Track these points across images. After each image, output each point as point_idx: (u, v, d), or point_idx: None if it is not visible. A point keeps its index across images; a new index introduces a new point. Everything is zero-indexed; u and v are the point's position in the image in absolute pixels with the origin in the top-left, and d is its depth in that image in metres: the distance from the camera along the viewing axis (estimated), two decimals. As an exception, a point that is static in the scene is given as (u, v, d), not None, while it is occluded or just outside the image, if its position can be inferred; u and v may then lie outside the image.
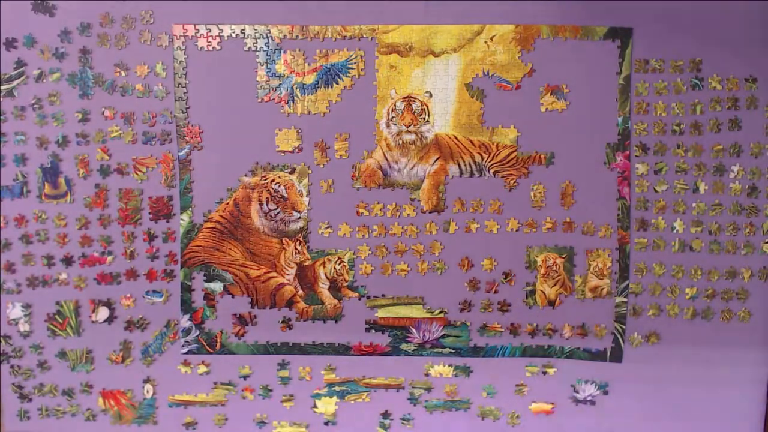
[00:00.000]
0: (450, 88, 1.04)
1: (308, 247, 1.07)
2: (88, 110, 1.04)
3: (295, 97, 1.04)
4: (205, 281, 1.08)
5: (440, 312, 1.09)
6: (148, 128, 1.05)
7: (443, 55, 1.04)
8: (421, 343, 1.10)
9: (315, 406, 1.11)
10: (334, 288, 1.09)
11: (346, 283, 1.08)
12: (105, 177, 1.05)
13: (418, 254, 1.08)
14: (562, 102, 1.04)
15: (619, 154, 1.05)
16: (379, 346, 1.10)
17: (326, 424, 1.11)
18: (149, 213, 1.06)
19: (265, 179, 1.06)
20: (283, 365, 1.10)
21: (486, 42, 1.03)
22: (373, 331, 1.09)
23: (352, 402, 1.11)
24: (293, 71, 1.04)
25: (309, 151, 1.06)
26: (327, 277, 1.08)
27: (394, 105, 1.04)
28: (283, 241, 1.07)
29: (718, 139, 1.04)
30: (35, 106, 1.03)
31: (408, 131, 1.05)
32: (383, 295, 1.09)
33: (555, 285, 1.08)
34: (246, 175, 1.06)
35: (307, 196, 1.06)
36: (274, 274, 1.08)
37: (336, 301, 1.09)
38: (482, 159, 1.06)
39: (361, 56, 1.04)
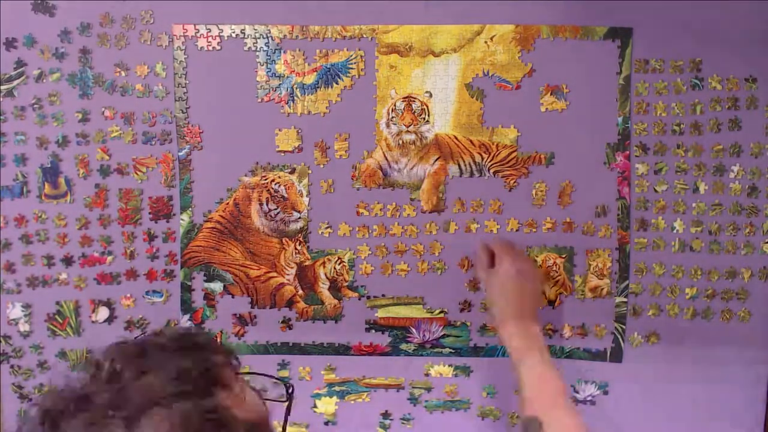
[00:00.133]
0: (450, 88, 1.04)
1: (308, 247, 1.07)
2: (88, 110, 1.04)
3: (295, 97, 1.04)
4: (205, 281, 1.08)
5: (440, 312, 1.09)
6: (148, 128, 1.05)
7: (443, 55, 1.04)
8: (421, 343, 1.10)
9: (315, 406, 1.11)
10: (334, 288, 1.09)
11: (346, 283, 1.08)
12: (105, 177, 1.05)
13: (418, 254, 1.08)
14: (562, 102, 1.04)
15: (619, 154, 1.05)
16: (379, 346, 1.10)
17: (326, 424, 1.11)
18: (149, 213, 1.06)
19: (265, 179, 1.06)
20: (283, 365, 1.10)
21: (486, 42, 1.03)
22: (373, 331, 1.09)
23: (352, 402, 1.11)
24: (293, 71, 1.04)
25: (309, 151, 1.06)
26: (327, 277, 1.08)
27: (394, 105, 1.04)
28: (283, 241, 1.07)
29: (718, 139, 1.04)
30: (35, 106, 1.03)
31: (408, 131, 1.05)
32: (383, 295, 1.09)
33: (555, 285, 1.08)
34: (246, 175, 1.06)
35: (307, 196, 1.06)
36: (274, 274, 1.08)
37: (336, 301, 1.09)
38: (482, 159, 1.06)
39: (361, 56, 1.04)
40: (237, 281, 1.08)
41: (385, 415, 1.11)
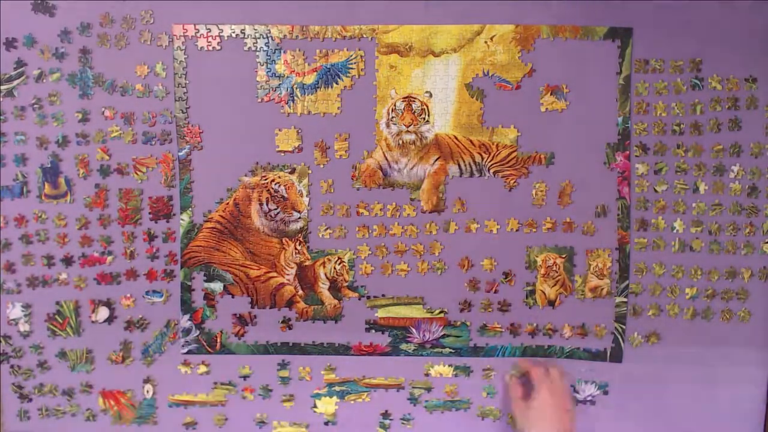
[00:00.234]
0: (450, 88, 1.04)
1: (308, 247, 1.07)
2: (88, 110, 1.04)
3: (295, 97, 1.04)
4: (205, 281, 1.08)
5: (440, 312, 1.09)
6: (148, 128, 1.05)
7: (443, 55, 1.04)
8: (421, 343, 1.10)
9: (315, 406, 1.11)
10: (334, 288, 1.09)
11: (346, 283, 1.08)
12: (105, 177, 1.05)
13: (418, 254, 1.08)
14: (562, 102, 1.04)
15: (619, 154, 1.05)
16: (379, 346, 1.10)
17: (326, 424, 1.11)
18: (149, 213, 1.06)
19: (265, 179, 1.06)
20: (283, 365, 1.10)
21: (486, 42, 1.03)
22: (373, 331, 1.09)
23: (352, 402, 1.11)
24: (293, 71, 1.04)
25: (309, 151, 1.06)
26: (327, 277, 1.08)
27: (394, 105, 1.04)
28: (283, 241, 1.07)
29: (718, 139, 1.04)
30: (35, 106, 1.03)
31: (408, 131, 1.05)
32: (383, 295, 1.09)
33: (555, 285, 1.08)
34: (246, 175, 1.06)
35: (307, 196, 1.07)
36: (274, 274, 1.08)
37: (336, 301, 1.09)
38: (482, 159, 1.06)
39: (361, 56, 1.04)
40: (237, 281, 1.08)
41: (385, 415, 1.11)
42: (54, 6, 1.01)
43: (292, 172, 1.06)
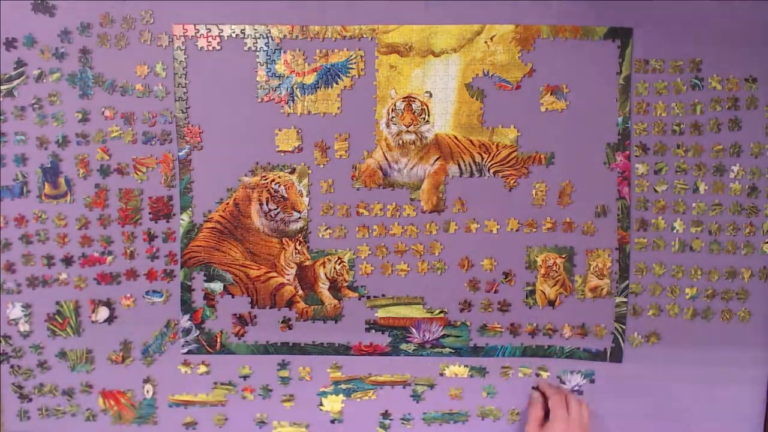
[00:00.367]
0: (450, 88, 1.04)
1: (308, 247, 1.07)
2: (88, 110, 1.04)
3: (295, 97, 1.04)
4: (205, 281, 1.08)
5: (440, 312, 1.09)
6: (148, 128, 1.05)
7: (443, 55, 1.04)
8: (421, 343, 1.10)
9: (321, 404, 1.11)
10: (334, 288, 1.09)
11: (346, 283, 1.08)
12: (105, 177, 1.05)
13: (418, 254, 1.08)
14: (562, 102, 1.04)
15: (619, 154, 1.05)
16: (379, 346, 1.10)
17: (332, 422, 1.11)
18: (149, 213, 1.06)
19: (265, 179, 1.06)
20: (283, 365, 1.10)
21: (486, 42, 1.03)
22: (373, 331, 1.09)
23: (358, 400, 1.11)
24: (293, 71, 1.04)
25: (309, 151, 1.06)
26: (327, 277, 1.08)
27: (394, 105, 1.04)
28: (283, 241, 1.07)
29: (718, 139, 1.04)
30: (35, 106, 1.03)
31: (408, 131, 1.05)
32: (383, 295, 1.09)
33: (555, 285, 1.08)
34: (246, 175, 1.06)
35: (307, 196, 1.07)
36: (274, 274, 1.08)
37: (336, 301, 1.09)
38: (482, 159, 1.06)
39: (361, 56, 1.04)
40: (237, 281, 1.08)
41: (385, 414, 1.11)
42: (54, 6, 1.01)
43: (292, 172, 1.06)
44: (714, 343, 1.07)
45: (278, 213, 1.07)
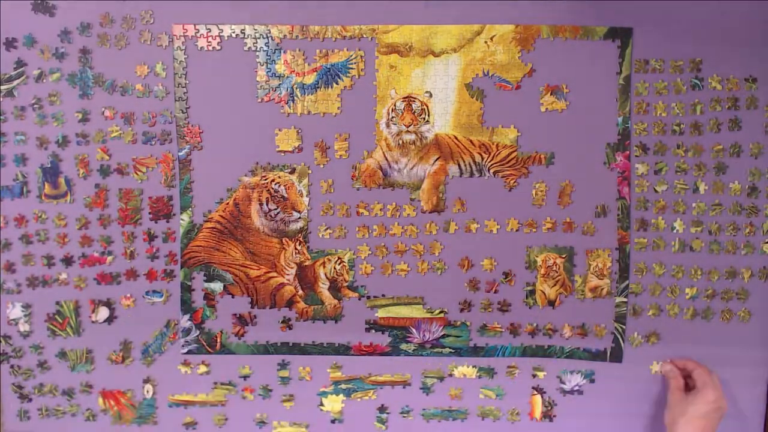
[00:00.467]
0: (450, 88, 1.04)
1: (308, 247, 1.07)
2: (88, 110, 1.04)
3: (295, 97, 1.04)
4: (205, 281, 1.08)
5: (440, 312, 1.09)
6: (148, 128, 1.05)
7: (443, 55, 1.04)
8: (421, 343, 1.10)
9: (321, 404, 1.11)
10: (334, 288, 1.09)
11: (346, 283, 1.08)
12: (105, 177, 1.05)
13: (418, 254, 1.08)
14: (562, 102, 1.04)
15: (619, 154, 1.05)
16: (379, 346, 1.10)
17: (332, 422, 1.11)
18: (149, 213, 1.06)
19: (265, 179, 1.06)
20: (283, 365, 1.10)
21: (486, 42, 1.03)
22: (373, 331, 1.09)
23: (359, 400, 1.11)
24: (293, 71, 1.04)
25: (309, 151, 1.06)
26: (327, 277, 1.08)
27: (394, 105, 1.04)
28: (283, 241, 1.07)
29: (718, 139, 1.04)
30: (35, 106, 1.03)
31: (408, 131, 1.05)
32: (383, 295, 1.09)
33: (555, 285, 1.08)
34: (246, 175, 1.06)
35: (307, 196, 1.07)
36: (274, 274, 1.08)
37: (336, 301, 1.09)
38: (482, 159, 1.06)
39: (361, 56, 1.04)
40: (237, 281, 1.08)
41: (381, 408, 1.11)
42: (54, 6, 1.01)
43: (292, 172, 1.06)
44: (714, 343, 1.07)
45: (278, 213, 1.07)
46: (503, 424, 1.11)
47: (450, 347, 1.10)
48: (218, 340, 1.09)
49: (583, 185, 1.06)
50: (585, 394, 1.10)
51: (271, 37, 1.03)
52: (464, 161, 1.06)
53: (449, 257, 1.08)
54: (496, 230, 1.07)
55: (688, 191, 1.05)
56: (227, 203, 1.07)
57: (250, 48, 1.03)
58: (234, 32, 1.03)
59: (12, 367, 1.08)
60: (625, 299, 1.07)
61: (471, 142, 1.05)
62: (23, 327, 1.07)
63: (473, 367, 1.10)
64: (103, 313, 1.08)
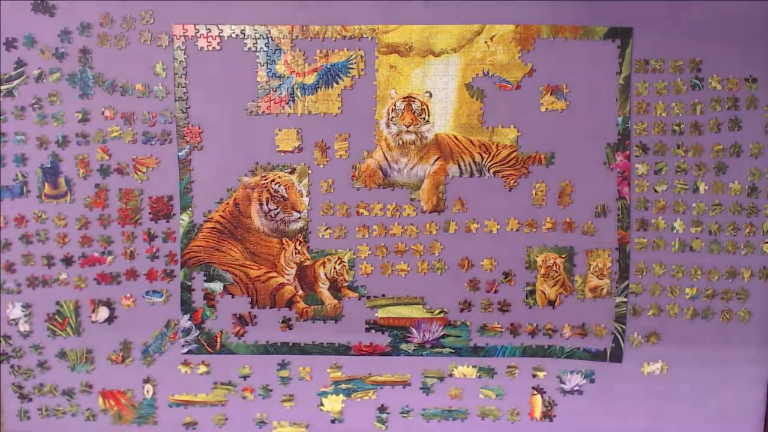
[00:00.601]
0: (450, 88, 1.04)
1: (308, 247, 1.07)
2: (88, 110, 1.04)
3: (296, 98, 1.04)
4: (205, 281, 1.08)
5: (440, 312, 1.09)
6: (148, 128, 1.05)
7: (443, 55, 1.04)
8: (421, 343, 1.10)
9: (321, 404, 1.11)
10: (334, 288, 1.09)
11: (346, 283, 1.08)
12: (105, 177, 1.05)
13: (418, 254, 1.08)
14: (562, 102, 1.04)
15: (619, 154, 1.05)
16: (379, 346, 1.10)
17: (332, 422, 1.11)
18: (149, 213, 1.06)
19: (265, 179, 1.06)
20: (283, 365, 1.10)
21: (486, 42, 1.03)
22: (373, 331, 1.09)
23: (359, 400, 1.11)
24: (294, 71, 1.04)
25: (309, 151, 1.06)
26: (327, 277, 1.08)
27: (394, 105, 1.04)
28: (283, 241, 1.07)
29: (718, 139, 1.04)
30: (35, 106, 1.03)
31: (408, 131, 1.05)
32: (383, 295, 1.09)
33: (555, 285, 1.08)
34: (246, 175, 1.06)
35: (307, 196, 1.06)
36: (274, 274, 1.08)
37: (336, 301, 1.09)
38: (482, 159, 1.06)
39: (361, 56, 1.04)
40: (237, 281, 1.08)
41: (381, 408, 1.11)
42: (54, 6, 1.01)
43: (292, 172, 1.06)
44: (714, 343, 1.07)
45: (278, 213, 1.07)
46: (503, 424, 1.11)
47: (450, 347, 1.10)
48: (218, 340, 1.09)
49: (583, 185, 1.05)
50: (585, 394, 1.10)
51: (271, 37, 1.03)
52: (464, 161, 1.06)
53: (449, 257, 1.08)
54: (496, 230, 1.07)
55: (688, 191, 1.05)
56: (227, 203, 1.07)
57: (250, 48, 1.03)
58: (234, 32, 1.03)
59: (12, 367, 1.08)
60: (625, 299, 1.07)
61: (471, 142, 1.05)
62: (23, 327, 1.07)
63: (473, 367, 1.10)
64: (103, 313, 1.08)
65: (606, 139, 1.04)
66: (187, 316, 1.09)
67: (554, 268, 1.07)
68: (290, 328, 1.09)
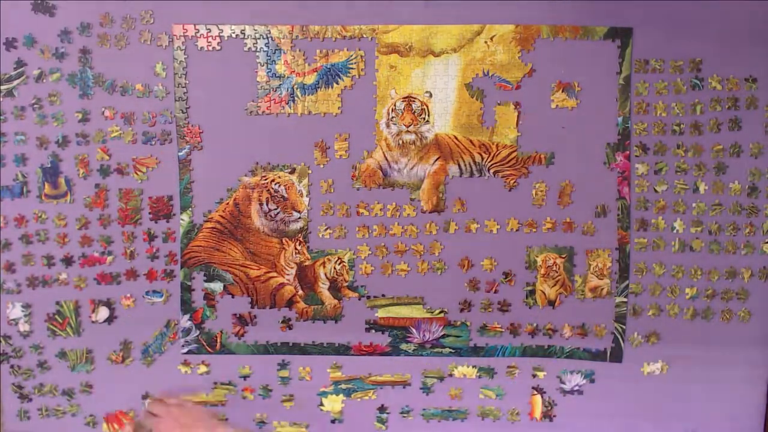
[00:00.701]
0: (450, 88, 1.04)
1: (308, 247, 1.07)
2: (88, 110, 1.04)
3: (296, 98, 1.04)
4: (205, 281, 1.08)
5: (440, 312, 1.09)
6: (148, 128, 1.05)
7: (443, 55, 1.04)
8: (421, 343, 1.10)
9: (321, 404, 1.11)
10: (334, 288, 1.09)
11: (346, 283, 1.08)
12: (105, 177, 1.05)
13: (418, 254, 1.08)
14: (573, 100, 1.04)
15: (619, 154, 1.05)
16: (379, 346, 1.10)
17: (333, 422, 1.11)
18: (149, 213, 1.06)
19: (265, 179, 1.06)
20: (283, 365, 1.10)
21: (486, 42, 1.03)
22: (373, 331, 1.09)
23: (359, 400, 1.11)
24: (293, 71, 1.04)
25: (309, 151, 1.06)
26: (327, 277, 1.08)
27: (394, 105, 1.04)
28: (283, 241, 1.07)
29: (718, 139, 1.04)
30: (35, 106, 1.03)
31: (408, 131, 1.05)
32: (383, 295, 1.09)
33: (555, 285, 1.08)
34: (246, 175, 1.06)
35: (307, 196, 1.06)
36: (274, 274, 1.08)
37: (336, 301, 1.09)
38: (482, 159, 1.06)
39: (361, 56, 1.04)
40: (237, 281, 1.08)
41: (381, 408, 1.11)
42: (54, 6, 1.01)
43: (292, 172, 1.06)
44: (714, 343, 1.07)
45: (278, 213, 1.07)
46: (503, 424, 1.11)
47: (450, 347, 1.10)
48: (218, 340, 1.09)
49: (583, 185, 1.06)
50: (585, 394, 1.10)
51: (271, 37, 1.03)
52: (464, 161, 1.06)
53: (449, 257, 1.08)
54: (496, 230, 1.07)
55: (688, 191, 1.05)
56: (227, 203, 1.07)
57: (250, 48, 1.03)
58: (234, 32, 1.03)
59: (12, 367, 1.08)
60: (625, 299, 1.07)
61: (471, 142, 1.05)
62: (23, 327, 1.07)
63: (473, 367, 1.10)
64: (103, 313, 1.08)
65: (606, 139, 1.05)
66: (187, 316, 1.09)
67: (554, 268, 1.07)
68: (290, 328, 1.09)
